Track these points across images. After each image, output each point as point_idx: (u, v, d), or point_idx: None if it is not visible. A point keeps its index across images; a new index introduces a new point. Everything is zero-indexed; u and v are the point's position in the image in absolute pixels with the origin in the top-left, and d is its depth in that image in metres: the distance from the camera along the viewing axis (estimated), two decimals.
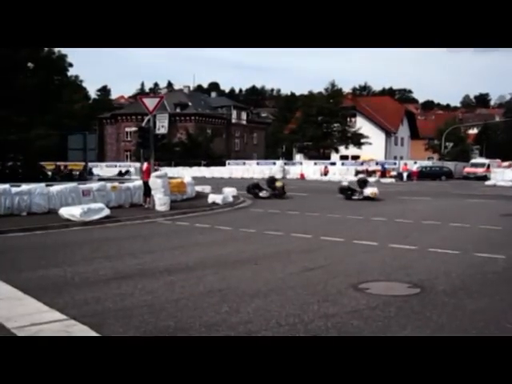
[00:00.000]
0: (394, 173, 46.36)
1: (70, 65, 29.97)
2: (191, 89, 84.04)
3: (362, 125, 60.30)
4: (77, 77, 36.27)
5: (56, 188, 15.94)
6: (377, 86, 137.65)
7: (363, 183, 22.77)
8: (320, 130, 57.98)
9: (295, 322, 5.54)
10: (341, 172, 48.08)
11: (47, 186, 15.99)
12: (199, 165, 56.26)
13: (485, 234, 12.30)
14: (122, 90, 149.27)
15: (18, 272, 7.89)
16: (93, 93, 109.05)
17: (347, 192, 22.47)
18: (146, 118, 18.23)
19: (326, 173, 49.01)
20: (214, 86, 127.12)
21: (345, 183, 23.86)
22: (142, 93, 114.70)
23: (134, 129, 60.18)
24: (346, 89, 75.61)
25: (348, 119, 60.14)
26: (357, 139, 57.77)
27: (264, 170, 48.66)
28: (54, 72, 29.04)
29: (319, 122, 58.18)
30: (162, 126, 17.64)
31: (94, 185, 17.74)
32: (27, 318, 5.55)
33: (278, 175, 39.63)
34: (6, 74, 25.37)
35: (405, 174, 44.02)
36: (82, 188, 16.66)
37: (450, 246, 10.16)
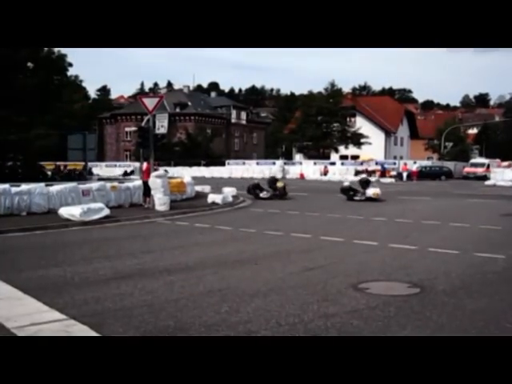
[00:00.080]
0: (393, 173, 46.35)
1: (70, 65, 30.00)
2: (191, 89, 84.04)
3: (361, 125, 60.32)
4: (77, 77, 36.35)
5: (56, 188, 15.94)
6: (376, 86, 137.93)
7: (365, 183, 22.32)
8: (320, 130, 58.00)
9: (295, 321, 5.54)
10: (340, 172, 48.10)
11: (47, 185, 15.99)
12: (199, 165, 56.26)
13: (485, 234, 12.30)
14: (121, 89, 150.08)
15: (18, 272, 7.88)
16: (92, 93, 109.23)
17: (349, 193, 21.92)
18: (146, 118, 18.24)
19: (325, 173, 49.02)
20: (214, 86, 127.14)
21: (346, 183, 23.19)
22: (141, 93, 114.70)
23: (133, 129, 60.14)
24: (346, 89, 75.84)
25: (348, 119, 60.16)
26: (356, 139, 57.80)
27: (264, 169, 48.72)
28: (53, 72, 29.04)
29: (319, 122, 58.20)
30: (161, 125, 17.65)
31: (94, 185, 17.74)
32: (27, 317, 5.55)
33: (278, 175, 39.62)
34: (6, 74, 25.37)
35: (404, 174, 44.02)
36: (81, 188, 16.66)
37: (449, 246, 10.16)
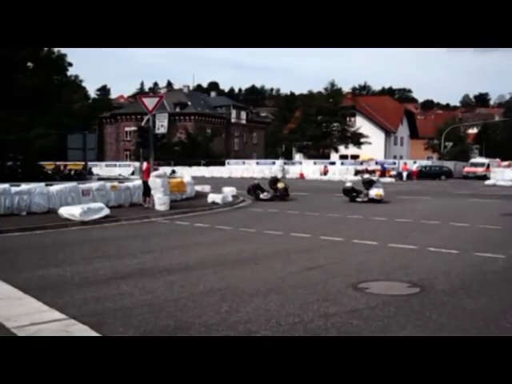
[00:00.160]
0: (393, 172, 46.37)
1: (70, 64, 29.98)
2: (191, 88, 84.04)
3: (361, 124, 60.36)
4: (76, 76, 36.38)
5: (56, 188, 15.94)
6: (376, 86, 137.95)
7: (368, 184, 21.34)
8: (319, 130, 58.05)
9: (295, 321, 5.54)
10: (340, 172, 48.14)
11: (47, 185, 15.99)
12: (199, 164, 56.29)
13: (484, 234, 12.30)
14: (121, 89, 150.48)
15: (18, 272, 7.88)
16: (92, 92, 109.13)
17: (351, 194, 20.96)
18: (146, 118, 18.23)
19: (325, 172, 49.05)
20: (214, 86, 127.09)
21: (348, 184, 22.02)
22: (141, 92, 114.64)
23: (133, 128, 60.15)
24: (346, 88, 75.82)
25: (347, 119, 60.21)
26: (356, 139, 57.85)
27: (263, 169, 48.75)
28: (53, 72, 29.02)
29: (319, 122, 58.25)
30: (161, 125, 17.64)
31: (94, 184, 17.75)
32: (27, 317, 5.55)
33: (278, 175, 39.58)
34: (6, 74, 25.36)
35: (404, 174, 44.03)
36: (81, 188, 16.66)
37: (449, 246, 10.16)
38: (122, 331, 5.19)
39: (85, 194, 16.44)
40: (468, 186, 34.87)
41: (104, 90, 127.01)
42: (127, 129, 69.93)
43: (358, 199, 20.56)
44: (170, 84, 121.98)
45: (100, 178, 27.34)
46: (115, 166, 59.93)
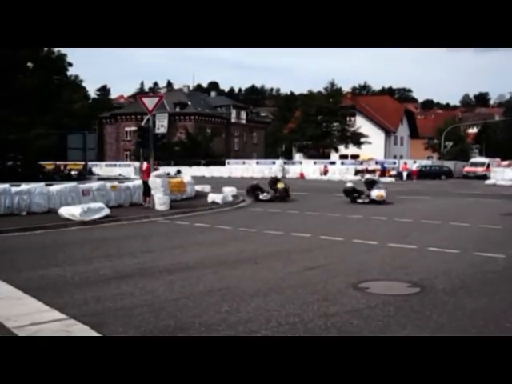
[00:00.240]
0: (393, 172, 46.37)
1: (70, 64, 29.94)
2: (191, 88, 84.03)
3: (361, 124, 60.35)
4: (76, 76, 36.27)
5: (56, 187, 15.94)
6: (376, 86, 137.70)
7: (370, 184, 20.71)
8: (319, 130, 58.05)
9: (295, 321, 5.54)
10: (340, 171, 48.16)
11: (47, 185, 16.00)
12: (199, 164, 56.31)
13: (485, 234, 12.30)
14: (121, 89, 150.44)
15: (18, 271, 7.89)
16: (92, 92, 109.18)
17: (353, 194, 20.33)
18: (146, 118, 18.25)
19: (325, 172, 49.05)
20: (214, 86, 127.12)
21: (349, 184, 21.38)
22: (141, 92, 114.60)
23: (133, 128, 60.19)
24: (346, 88, 75.78)
25: (347, 118, 60.22)
26: (356, 138, 57.85)
27: (264, 169, 48.79)
28: (53, 72, 29.00)
29: (319, 122, 58.26)
30: (161, 125, 17.65)
31: (94, 184, 17.75)
32: (27, 317, 5.55)
33: (278, 174, 39.57)
34: (6, 74, 25.34)
35: (404, 174, 44.02)
36: (81, 187, 16.66)
37: (449, 246, 10.17)
38: (123, 331, 5.19)
39: (85, 194, 16.44)
40: (468, 185, 34.88)
41: (104, 90, 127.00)
42: (127, 129, 69.94)
43: (359, 200, 19.97)
44: (169, 84, 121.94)
45: (100, 178, 27.34)
46: (115, 165, 59.90)
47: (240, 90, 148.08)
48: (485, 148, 72.65)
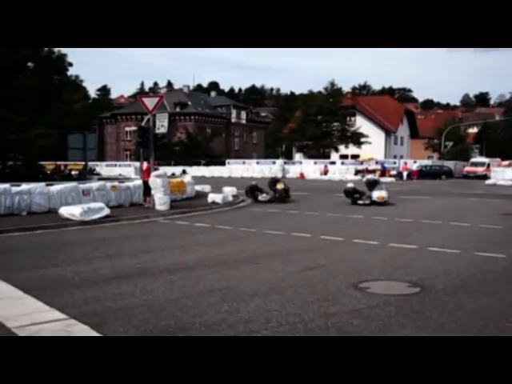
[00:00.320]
0: (393, 172, 46.36)
1: (70, 64, 29.98)
2: (191, 88, 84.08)
3: (361, 124, 60.36)
4: (77, 76, 36.29)
5: (56, 187, 15.95)
6: (376, 85, 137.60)
7: (372, 185, 20.05)
8: (320, 130, 58.06)
9: (295, 321, 5.54)
10: (341, 171, 48.14)
11: (47, 185, 16.01)
12: (199, 164, 56.32)
13: (485, 233, 12.30)
14: (121, 89, 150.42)
15: (18, 271, 7.89)
16: (93, 92, 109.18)
17: (353, 195, 19.67)
18: (146, 118, 18.25)
19: (325, 172, 49.05)
20: (214, 86, 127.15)
21: (350, 185, 20.61)
22: (141, 92, 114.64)
23: (133, 128, 60.21)
24: (346, 88, 75.81)
25: (348, 118, 60.23)
26: (356, 138, 57.86)
27: (264, 169, 48.81)
28: (53, 72, 29.03)
29: (319, 122, 58.27)
30: (161, 125, 17.65)
31: (94, 184, 17.76)
32: (27, 317, 5.55)
33: (278, 174, 39.56)
34: (6, 74, 25.37)
35: (405, 174, 44.02)
36: (81, 187, 16.67)
37: (450, 245, 10.17)
38: (123, 331, 5.19)
39: (85, 194, 16.44)
40: (468, 185, 34.87)
41: (104, 90, 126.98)
42: (127, 129, 69.95)
43: (360, 202, 19.29)
44: (170, 84, 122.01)
45: (100, 178, 27.36)
46: (115, 165, 59.92)
47: (240, 89, 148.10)
48: (485, 148, 72.65)
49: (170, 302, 6.24)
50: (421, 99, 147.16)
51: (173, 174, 29.44)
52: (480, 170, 47.73)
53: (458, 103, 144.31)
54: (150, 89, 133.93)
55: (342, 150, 58.47)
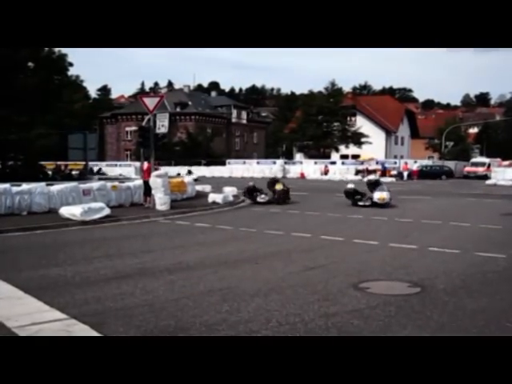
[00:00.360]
0: (394, 172, 46.34)
1: (71, 64, 29.96)
2: (191, 88, 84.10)
3: (362, 124, 60.32)
4: (77, 76, 36.34)
5: (56, 187, 15.95)
6: (377, 85, 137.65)
7: (373, 185, 19.39)
8: (320, 129, 58.05)
9: (295, 321, 5.54)
10: (341, 171, 48.11)
11: (48, 185, 16.01)
12: (199, 164, 56.29)
13: (485, 234, 12.30)
14: (122, 89, 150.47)
15: (19, 271, 7.89)
16: (93, 92, 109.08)
17: (354, 196, 19.10)
18: (147, 118, 18.25)
19: (326, 172, 49.04)
20: (214, 86, 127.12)
21: (350, 185, 19.95)
22: (142, 92, 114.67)
23: (134, 128, 60.26)
24: (346, 88, 75.83)
25: (348, 118, 60.22)
26: (357, 138, 57.85)
27: (264, 169, 48.79)
28: (54, 72, 29.02)
29: (319, 121, 58.25)
30: (162, 125, 17.65)
31: (95, 184, 17.77)
32: (28, 317, 5.56)
33: (279, 174, 39.55)
34: (7, 74, 25.36)
35: (405, 174, 44.02)
36: (82, 187, 16.67)
37: (450, 246, 10.17)
38: (123, 331, 5.19)
39: (85, 194, 16.45)
40: (469, 185, 34.85)
41: (105, 90, 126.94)
42: (128, 129, 69.96)
43: (360, 203, 18.72)
44: (170, 84, 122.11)
45: (101, 178, 27.35)
46: (116, 165, 59.92)
47: (240, 89, 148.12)
48: (485, 148, 72.61)
49: (170, 302, 6.24)
50: (421, 99, 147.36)
51: (178, 174, 29.47)
52: (480, 170, 47.71)
53: (458, 103, 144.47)
54: (151, 89, 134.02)
55: (343, 150, 58.46)
